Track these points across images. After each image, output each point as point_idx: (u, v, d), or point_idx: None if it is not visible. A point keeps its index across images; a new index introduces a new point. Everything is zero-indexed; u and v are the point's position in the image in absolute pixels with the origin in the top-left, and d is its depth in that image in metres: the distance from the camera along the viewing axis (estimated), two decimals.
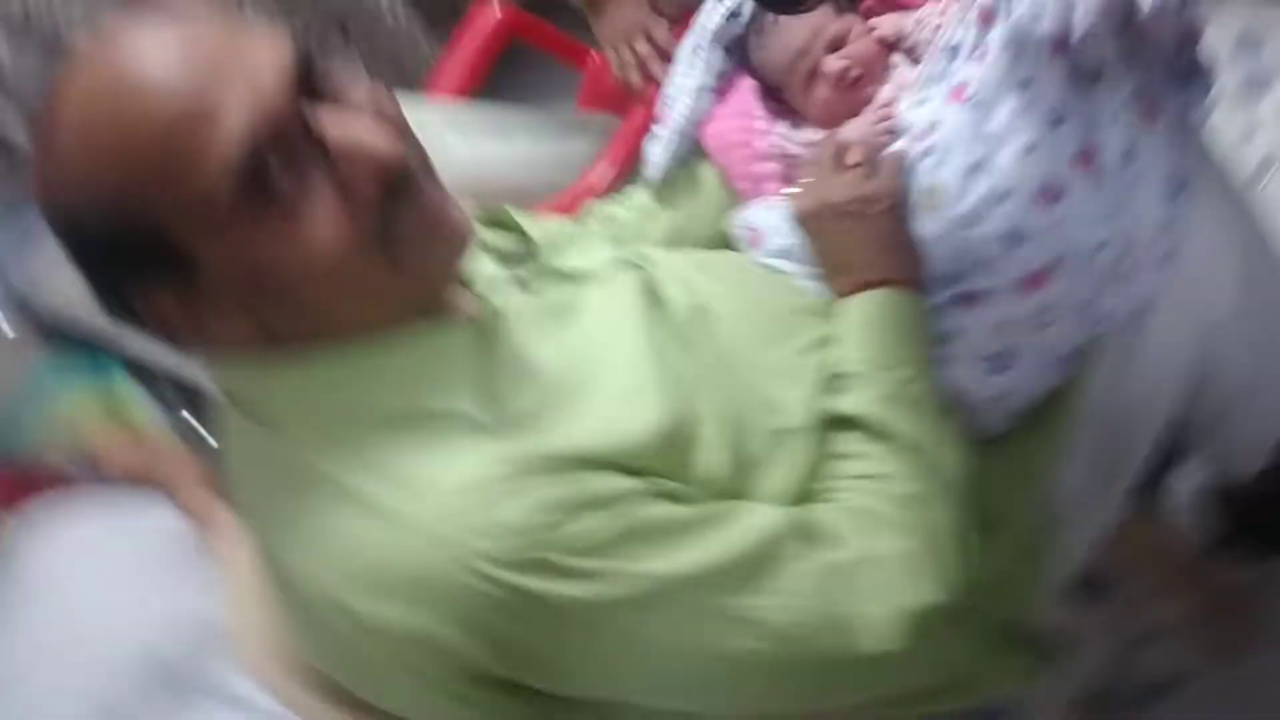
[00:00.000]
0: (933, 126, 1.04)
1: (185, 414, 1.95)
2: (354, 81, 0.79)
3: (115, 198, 0.73)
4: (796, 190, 1.07)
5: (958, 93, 1.04)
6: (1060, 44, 1.03)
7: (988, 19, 1.06)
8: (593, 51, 2.03)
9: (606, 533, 0.76)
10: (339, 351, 0.81)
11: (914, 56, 1.15)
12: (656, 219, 1.18)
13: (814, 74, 1.14)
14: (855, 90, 1.14)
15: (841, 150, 1.05)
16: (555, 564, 0.74)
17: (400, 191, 0.78)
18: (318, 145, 0.74)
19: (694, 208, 1.19)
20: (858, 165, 1.03)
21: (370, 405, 0.80)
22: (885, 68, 1.15)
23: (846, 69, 1.13)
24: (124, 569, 1.48)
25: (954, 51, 1.07)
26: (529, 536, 0.74)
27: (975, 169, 1.01)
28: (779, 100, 1.20)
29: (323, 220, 0.75)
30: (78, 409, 2.54)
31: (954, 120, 1.03)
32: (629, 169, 1.36)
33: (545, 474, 0.76)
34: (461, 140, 1.61)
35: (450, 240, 0.83)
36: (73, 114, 0.74)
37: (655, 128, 1.23)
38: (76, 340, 2.27)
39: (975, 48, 1.05)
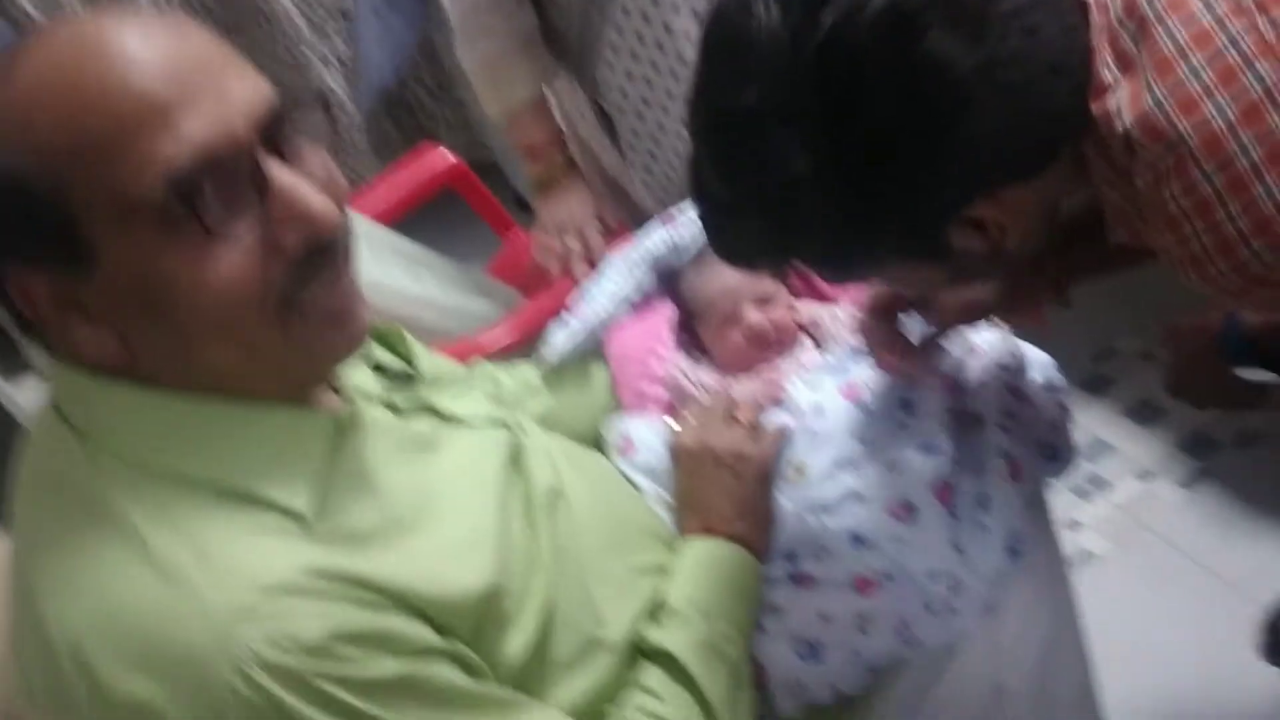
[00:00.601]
0: (819, 411, 1.09)
1: None
2: (313, 154, 0.78)
3: (43, 161, 0.69)
4: (682, 423, 1.10)
5: (851, 390, 1.10)
6: (950, 383, 1.11)
7: None
8: (517, 228, 2.08)
9: (390, 679, 0.72)
10: (190, 402, 0.77)
11: (819, 341, 1.22)
12: (538, 397, 1.19)
13: (734, 317, 1.20)
14: (762, 349, 1.20)
15: (734, 405, 1.09)
16: (327, 694, 0.70)
17: (320, 260, 0.76)
18: (259, 187, 0.73)
19: (577, 400, 1.20)
20: (747, 424, 1.07)
21: (202, 467, 0.76)
22: (794, 342, 1.21)
23: (764, 327, 1.19)
24: None
25: (858, 353, 1.14)
26: (316, 660, 0.70)
27: (844, 463, 1.05)
28: (688, 335, 1.24)
29: (236, 258, 0.72)
30: None
31: (839, 413, 1.08)
32: (523, 344, 1.37)
33: (355, 601, 0.73)
34: (371, 258, 1.60)
35: (347, 333, 0.80)
36: (41, 61, 0.70)
37: (565, 316, 1.26)
38: None
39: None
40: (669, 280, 1.29)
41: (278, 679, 0.69)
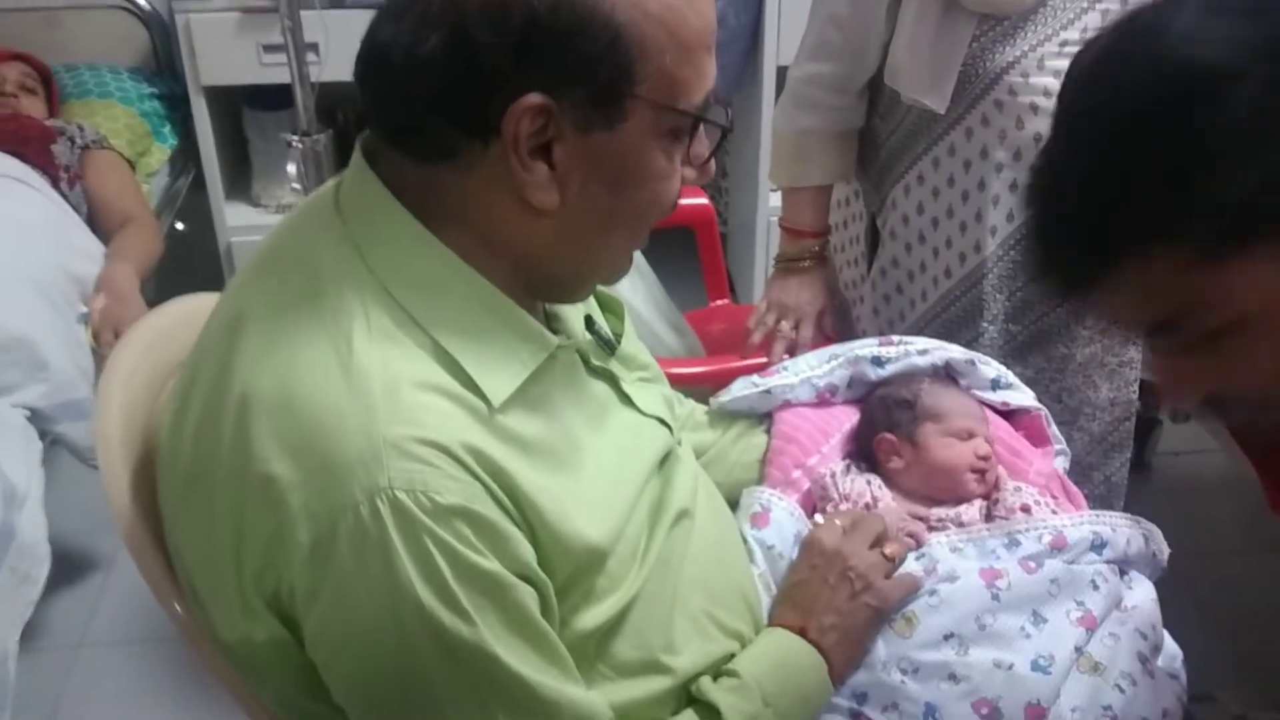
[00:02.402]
0: (951, 576, 1.07)
1: None
2: None
3: (647, 22, 0.77)
4: (828, 520, 1.09)
5: (990, 575, 1.07)
6: (1090, 619, 1.07)
7: (1060, 547, 1.11)
8: (729, 292, 2.11)
9: (485, 573, 0.74)
10: (464, 270, 0.81)
11: (988, 508, 1.18)
12: (699, 431, 1.19)
13: (970, 435, 1.18)
14: (972, 478, 1.17)
15: (884, 534, 1.08)
16: (430, 555, 0.72)
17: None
18: (715, 145, 0.87)
19: (729, 452, 1.21)
20: (889, 556, 1.05)
21: (436, 321, 0.79)
22: (994, 487, 1.18)
23: (991, 458, 1.17)
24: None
25: (1015, 543, 1.11)
26: (436, 521, 0.72)
27: (953, 639, 1.03)
28: (859, 449, 1.23)
29: (676, 187, 0.85)
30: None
31: (970, 590, 1.06)
32: (698, 386, 1.38)
33: (493, 495, 0.75)
34: None
35: (627, 267, 0.90)
36: None
37: (755, 376, 1.27)
38: None
39: (1033, 557, 1.09)
40: (862, 391, 1.28)
41: (397, 519, 0.71)
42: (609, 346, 0.97)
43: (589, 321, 0.98)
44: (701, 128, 0.83)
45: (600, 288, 1.04)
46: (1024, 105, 1.41)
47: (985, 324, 1.51)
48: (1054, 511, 1.16)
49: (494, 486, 0.75)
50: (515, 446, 0.78)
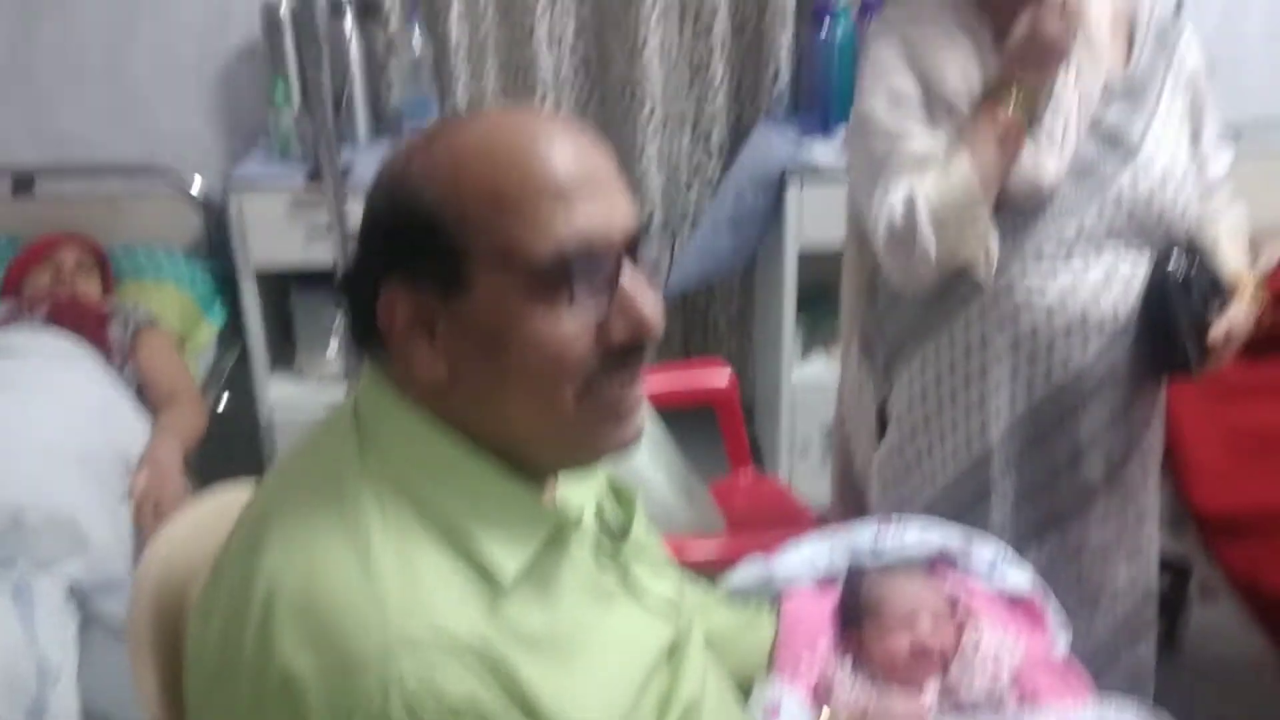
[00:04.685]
0: None
1: None
2: (644, 275, 0.89)
3: (460, 203, 0.82)
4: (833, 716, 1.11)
5: None
6: None
7: None
8: (751, 464, 2.15)
9: None
10: (463, 449, 0.86)
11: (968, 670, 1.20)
12: (709, 614, 1.21)
13: (907, 625, 1.20)
14: (922, 663, 1.19)
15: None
16: None
17: (628, 359, 0.87)
18: (611, 284, 0.85)
19: (739, 639, 1.23)
20: None
21: (446, 505, 0.84)
22: (953, 664, 1.20)
23: (929, 644, 1.19)
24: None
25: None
26: (440, 714, 0.75)
27: None
28: (842, 631, 1.26)
29: (574, 329, 0.84)
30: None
31: None
32: (719, 568, 1.40)
33: (502, 690, 0.78)
34: None
35: (623, 430, 0.89)
36: (481, 130, 0.86)
37: (759, 558, 1.30)
38: None
39: None
40: (849, 575, 1.31)
41: (408, 715, 0.74)
42: (617, 538, 1.01)
43: (599, 512, 1.02)
44: (576, 272, 0.83)
45: (614, 477, 1.08)
46: (1020, 302, 1.46)
47: (995, 508, 1.54)
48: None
49: (500, 680, 0.78)
50: (522, 638, 0.82)
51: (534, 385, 0.84)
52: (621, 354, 0.86)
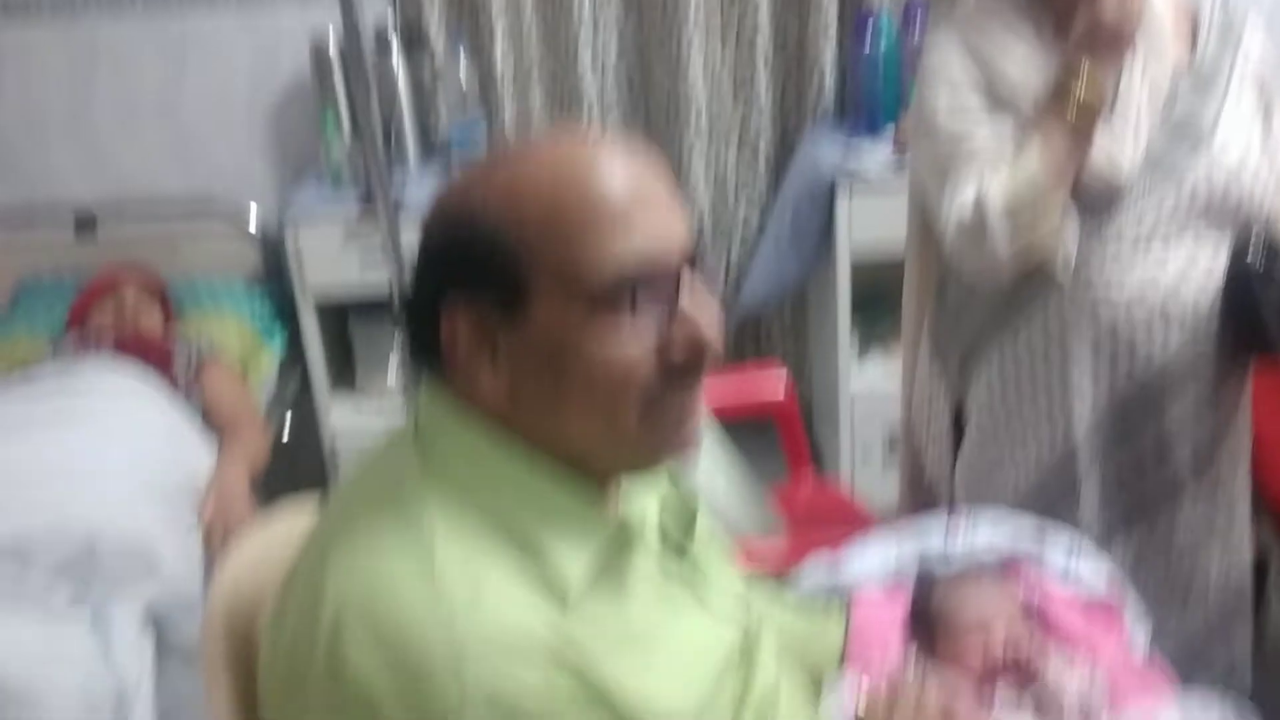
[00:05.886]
0: None
1: None
2: (704, 293, 0.90)
3: (521, 228, 0.84)
4: (873, 694, 1.11)
5: None
6: None
7: None
8: (811, 469, 2.14)
9: None
10: (526, 463, 0.87)
11: (1038, 699, 1.18)
12: (778, 615, 1.21)
13: (979, 643, 1.18)
14: (994, 677, 1.17)
15: (921, 698, 1.10)
16: None
17: (688, 377, 0.87)
18: (670, 305, 0.86)
19: (809, 643, 1.22)
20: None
21: (511, 517, 0.85)
22: (1025, 682, 1.18)
23: (999, 661, 1.17)
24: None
25: None
26: (514, 711, 0.76)
27: None
28: (922, 643, 1.25)
29: (635, 350, 0.85)
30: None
31: None
32: (785, 571, 1.40)
33: (573, 692, 0.79)
34: None
35: (682, 438, 0.90)
36: (541, 157, 0.88)
37: (826, 559, 1.29)
38: None
39: None
40: (919, 582, 1.30)
41: (486, 715, 0.75)
42: (682, 539, 1.02)
43: (663, 514, 1.03)
44: (636, 293, 0.84)
45: (676, 479, 1.08)
46: (1097, 299, 1.45)
47: (1082, 505, 1.52)
48: (1088, 680, 1.15)
49: (574, 676, 0.79)
50: (594, 638, 0.82)
51: (596, 404, 0.85)
52: (682, 372, 0.87)
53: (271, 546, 1.08)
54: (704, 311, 0.87)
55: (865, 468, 2.77)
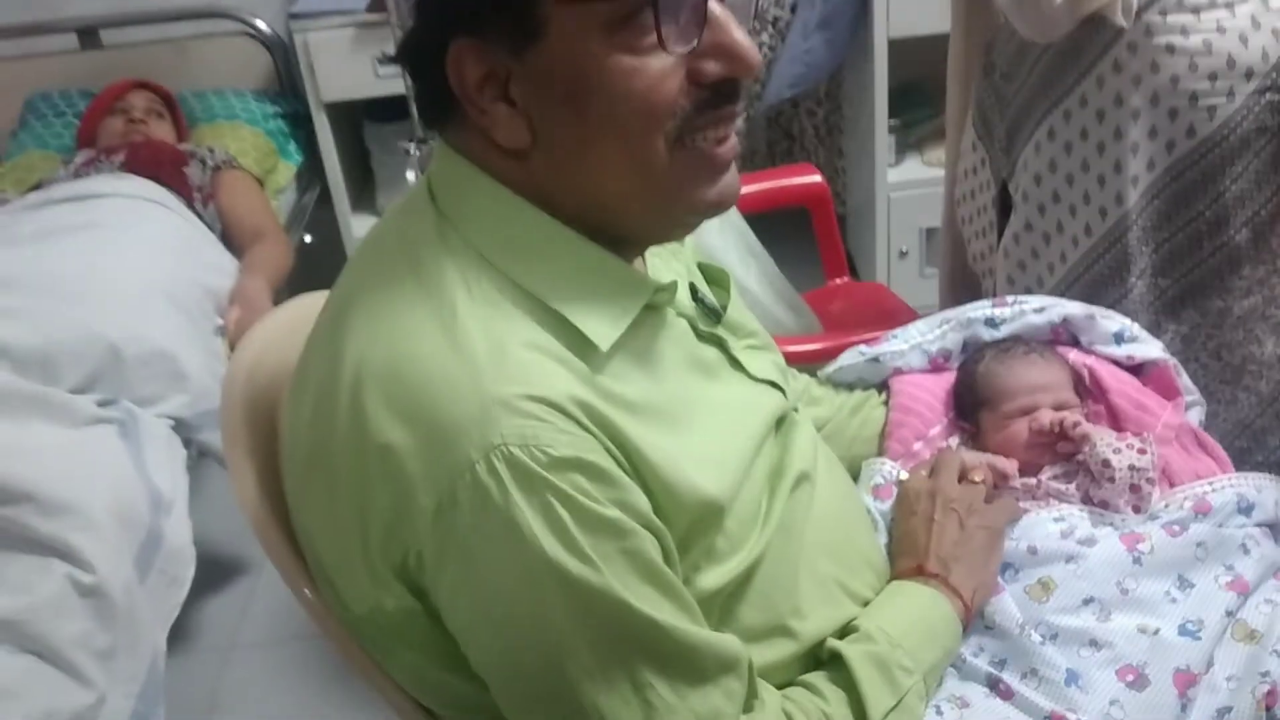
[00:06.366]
0: (1090, 541, 1.03)
1: None
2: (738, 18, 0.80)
3: None
4: (912, 474, 1.08)
5: (1131, 540, 1.03)
6: (1242, 585, 1.01)
7: (1204, 511, 1.05)
8: (846, 270, 2.08)
9: (608, 520, 0.73)
10: (547, 222, 0.81)
11: (1086, 468, 1.13)
12: (813, 406, 1.18)
13: (1027, 412, 1.14)
14: (1042, 448, 1.13)
15: (966, 467, 1.07)
16: (552, 507, 0.72)
17: (723, 99, 0.79)
18: (699, 20, 0.75)
19: (846, 425, 1.19)
20: (979, 482, 1.05)
21: (532, 279, 0.79)
22: (1073, 453, 1.13)
23: (1050, 432, 1.12)
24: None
25: (1155, 516, 1.06)
26: (553, 474, 0.72)
27: (1093, 604, 0.99)
28: (967, 419, 1.20)
29: (663, 72, 0.76)
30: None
31: (1110, 554, 1.02)
32: (819, 363, 1.35)
33: (604, 447, 0.75)
34: (717, 230, 1.64)
35: (718, 188, 0.82)
36: None
37: (862, 345, 1.24)
38: None
39: (1177, 521, 1.04)
40: (973, 350, 1.24)
41: (515, 475, 0.71)
42: (715, 314, 0.96)
43: (694, 290, 0.97)
44: (655, 5, 0.73)
45: (704, 261, 1.02)
46: (1160, 47, 1.34)
47: (1133, 280, 1.44)
48: (1140, 451, 1.09)
49: (604, 438, 0.75)
50: (622, 403, 0.78)
51: (623, 134, 0.77)
52: (714, 96, 0.78)
53: (290, 328, 1.03)
54: (735, 25, 0.78)
55: (902, 267, 2.69)
